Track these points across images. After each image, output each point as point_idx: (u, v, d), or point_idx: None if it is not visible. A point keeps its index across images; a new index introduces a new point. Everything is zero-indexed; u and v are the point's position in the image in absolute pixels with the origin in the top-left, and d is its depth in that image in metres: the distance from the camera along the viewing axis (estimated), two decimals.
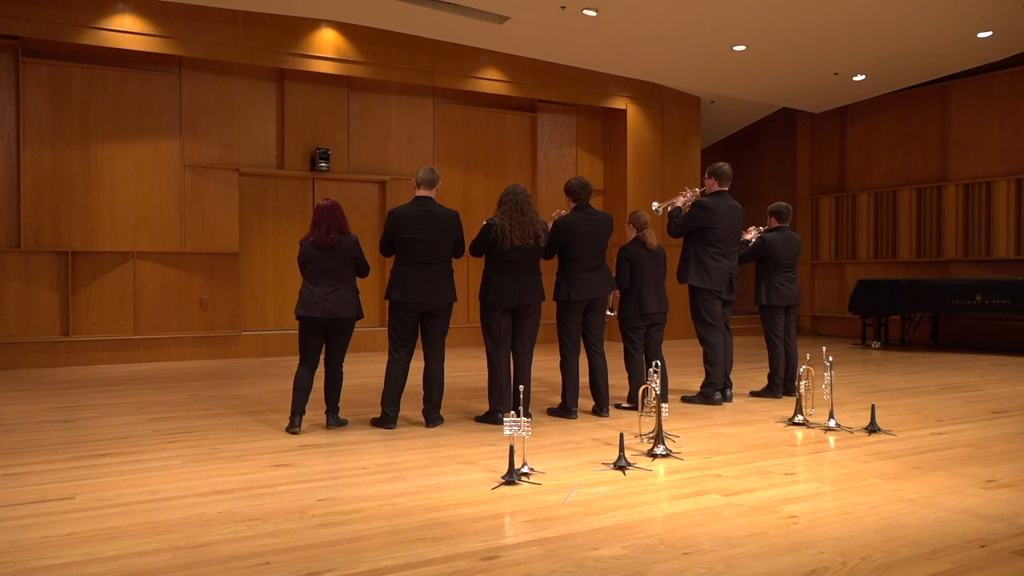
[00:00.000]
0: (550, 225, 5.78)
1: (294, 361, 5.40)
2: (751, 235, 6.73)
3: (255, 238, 10.15)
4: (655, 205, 6.67)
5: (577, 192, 5.87)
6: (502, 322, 5.52)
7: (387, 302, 5.53)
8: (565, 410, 5.77)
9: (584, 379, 5.91)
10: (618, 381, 6.37)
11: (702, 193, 6.52)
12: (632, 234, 6.20)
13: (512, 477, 3.96)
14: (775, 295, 6.61)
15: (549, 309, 5.79)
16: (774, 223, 6.78)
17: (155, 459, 4.50)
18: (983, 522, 3.38)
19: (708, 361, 6.32)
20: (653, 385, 4.99)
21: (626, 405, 6.09)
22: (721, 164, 6.49)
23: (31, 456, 4.56)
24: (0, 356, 8.53)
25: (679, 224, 6.40)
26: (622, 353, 6.20)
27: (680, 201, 6.50)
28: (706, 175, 6.52)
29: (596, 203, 11.93)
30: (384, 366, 5.48)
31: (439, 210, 5.44)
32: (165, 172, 9.48)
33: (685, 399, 6.42)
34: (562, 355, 5.82)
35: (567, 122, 12.09)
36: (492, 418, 5.47)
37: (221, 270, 9.73)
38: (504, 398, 5.53)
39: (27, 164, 8.80)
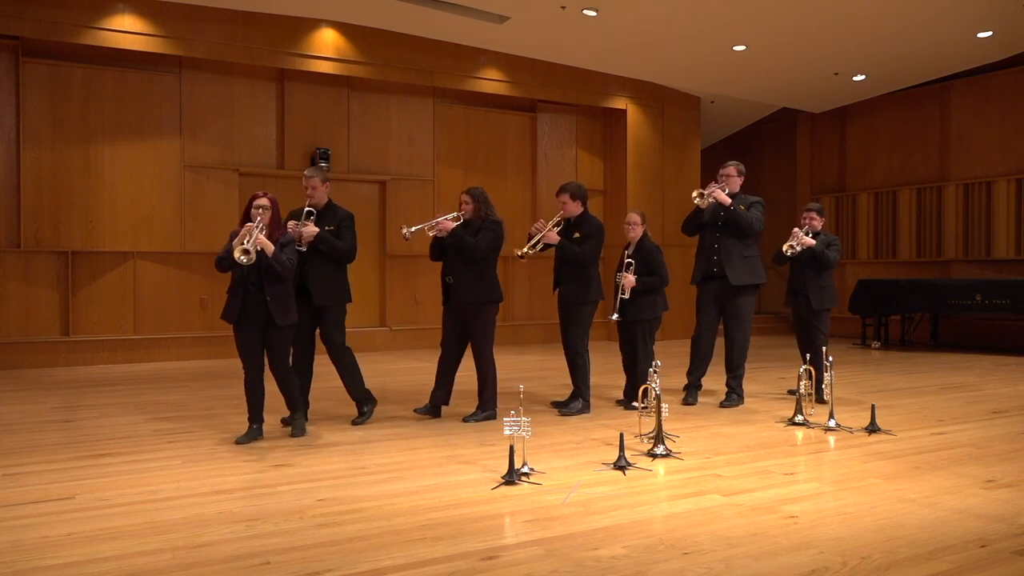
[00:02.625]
0: (546, 227, 5.84)
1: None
2: (801, 239, 6.36)
3: None
4: (697, 193, 6.28)
5: (586, 196, 6.02)
6: None
7: (346, 305, 5.59)
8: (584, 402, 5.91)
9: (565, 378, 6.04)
10: (613, 381, 6.37)
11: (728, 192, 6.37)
12: (640, 232, 6.14)
13: (512, 477, 3.96)
14: (837, 297, 6.65)
15: (548, 308, 5.78)
16: (822, 223, 6.65)
17: (155, 459, 4.50)
18: (983, 522, 3.38)
19: (745, 359, 6.36)
20: (653, 385, 4.99)
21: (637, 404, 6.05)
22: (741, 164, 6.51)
23: (31, 456, 4.56)
24: (0, 356, 8.53)
25: (759, 220, 6.29)
26: (621, 354, 6.20)
27: (724, 195, 6.23)
28: (739, 173, 6.38)
29: (596, 203, 11.94)
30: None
31: None
32: (165, 172, 9.47)
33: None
34: (580, 354, 5.91)
35: (567, 122, 12.09)
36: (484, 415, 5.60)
37: None
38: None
39: (27, 164, 8.80)
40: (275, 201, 4.98)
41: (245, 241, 4.65)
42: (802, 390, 5.53)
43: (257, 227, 4.75)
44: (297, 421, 5.10)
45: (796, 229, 6.42)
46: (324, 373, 5.91)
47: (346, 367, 5.45)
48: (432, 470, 4.26)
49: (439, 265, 5.72)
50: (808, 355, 5.89)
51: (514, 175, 11.72)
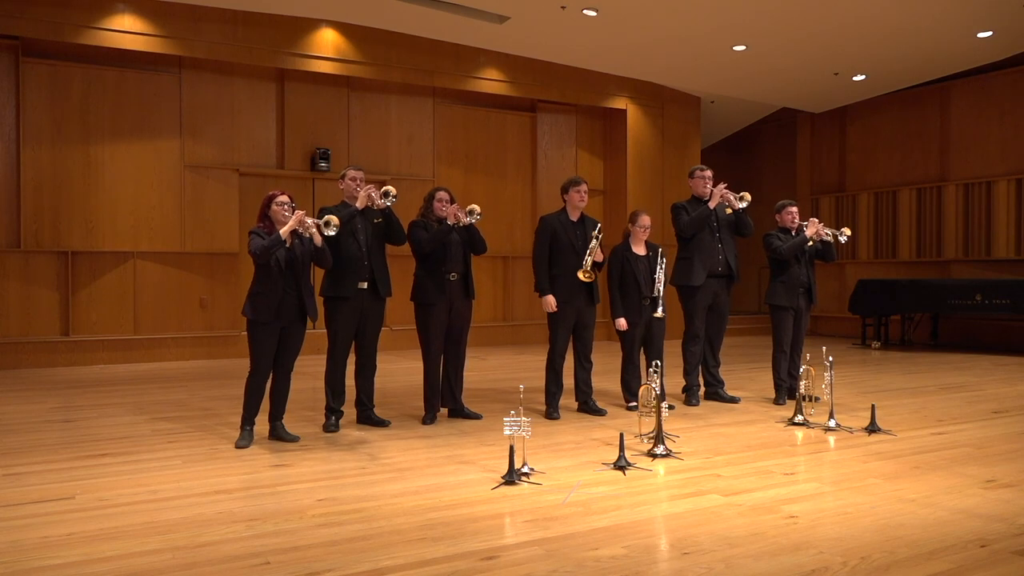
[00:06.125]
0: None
1: None
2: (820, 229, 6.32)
3: None
4: (740, 196, 6.32)
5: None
6: None
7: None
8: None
9: (569, 379, 6.02)
10: (613, 381, 6.38)
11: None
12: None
13: (512, 477, 3.96)
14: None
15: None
16: None
17: (155, 459, 4.50)
18: (983, 522, 3.38)
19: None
20: (653, 385, 4.99)
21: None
22: None
23: (31, 456, 4.56)
24: (0, 356, 8.53)
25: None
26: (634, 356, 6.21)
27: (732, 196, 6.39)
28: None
29: (596, 203, 11.94)
30: (378, 367, 5.51)
31: None
32: (165, 172, 9.47)
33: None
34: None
35: (567, 122, 12.08)
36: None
37: (221, 270, 9.73)
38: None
39: (27, 164, 8.80)
40: (292, 198, 4.99)
41: (307, 221, 4.79)
42: (802, 390, 5.53)
43: (304, 215, 4.83)
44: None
45: (814, 219, 6.38)
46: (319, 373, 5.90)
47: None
48: (432, 470, 4.26)
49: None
50: (808, 355, 5.89)
51: (514, 175, 11.72)
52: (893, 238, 12.60)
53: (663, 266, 5.96)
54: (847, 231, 6.35)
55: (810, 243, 6.28)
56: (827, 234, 6.30)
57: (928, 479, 4.06)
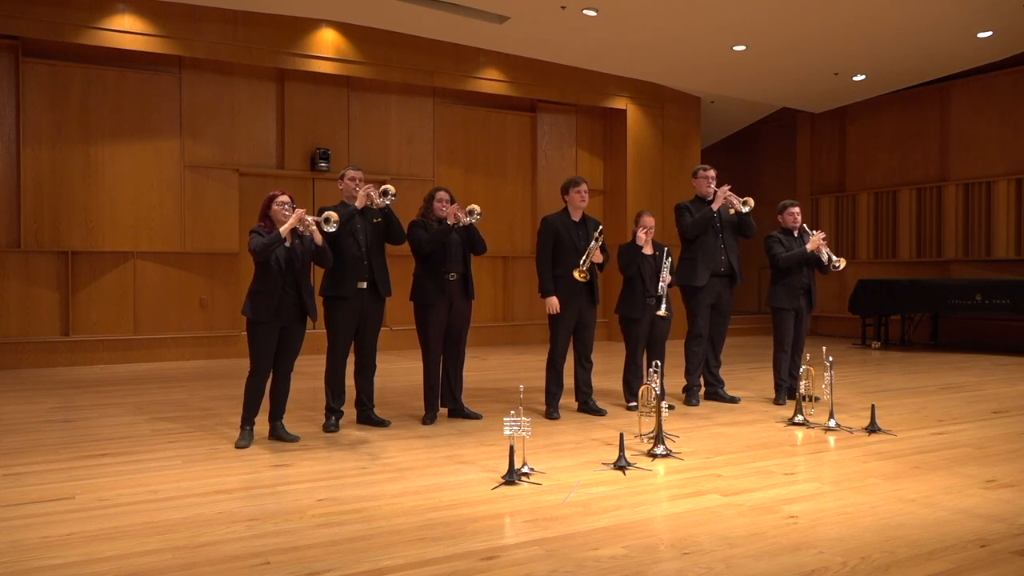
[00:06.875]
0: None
1: None
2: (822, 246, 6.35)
3: None
4: (744, 201, 6.33)
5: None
6: None
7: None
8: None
9: (569, 380, 6.01)
10: (613, 381, 6.38)
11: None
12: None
13: (512, 477, 3.96)
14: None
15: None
16: None
17: (155, 459, 4.50)
18: (983, 522, 3.38)
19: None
20: (653, 385, 4.99)
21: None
22: None
23: (31, 456, 4.56)
24: (0, 356, 8.53)
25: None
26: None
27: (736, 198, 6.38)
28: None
29: (596, 203, 11.94)
30: (378, 367, 5.50)
31: None
32: (165, 172, 9.47)
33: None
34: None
35: (567, 122, 12.08)
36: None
37: (221, 270, 9.73)
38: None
39: (27, 164, 8.80)
40: (293, 198, 4.98)
41: (307, 219, 4.80)
42: (802, 390, 5.54)
43: (304, 213, 4.84)
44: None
45: (821, 233, 6.36)
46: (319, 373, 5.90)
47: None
48: (432, 470, 4.26)
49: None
50: (808, 355, 5.90)
51: (514, 175, 11.71)
52: (893, 238, 12.60)
53: (668, 266, 5.97)
54: (843, 262, 6.35)
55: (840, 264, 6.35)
56: (824, 254, 6.30)
57: (928, 479, 4.06)
